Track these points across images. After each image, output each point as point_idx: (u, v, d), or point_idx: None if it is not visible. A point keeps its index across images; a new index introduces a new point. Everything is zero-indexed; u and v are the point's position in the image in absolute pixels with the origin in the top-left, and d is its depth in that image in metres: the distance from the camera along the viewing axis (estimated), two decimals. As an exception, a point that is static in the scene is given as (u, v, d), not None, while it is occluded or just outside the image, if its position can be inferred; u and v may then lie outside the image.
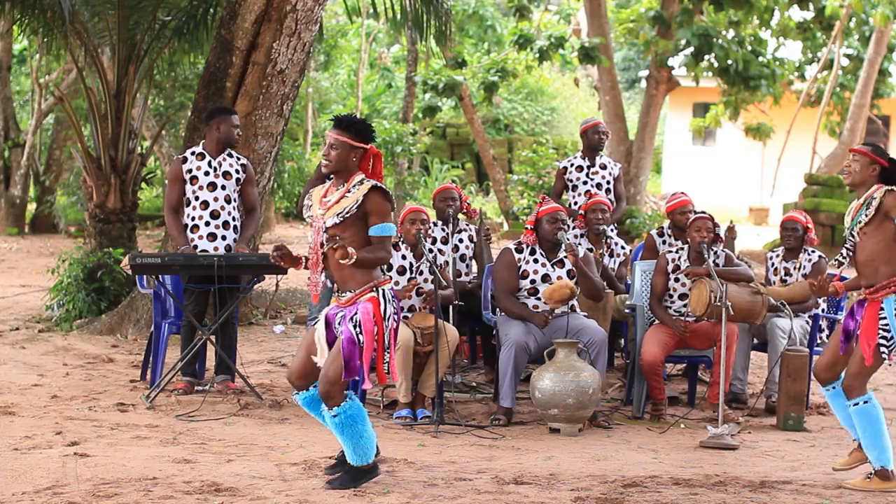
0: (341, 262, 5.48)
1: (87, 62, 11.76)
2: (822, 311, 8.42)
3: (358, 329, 5.52)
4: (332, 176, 5.78)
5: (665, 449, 6.94)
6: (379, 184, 5.66)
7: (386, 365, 5.63)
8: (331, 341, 5.66)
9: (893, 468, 6.06)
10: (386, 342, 5.61)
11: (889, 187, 6.04)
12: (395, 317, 5.67)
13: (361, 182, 5.64)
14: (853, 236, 6.14)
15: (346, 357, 5.49)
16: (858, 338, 6.06)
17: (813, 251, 8.45)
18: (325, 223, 5.62)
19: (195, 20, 11.31)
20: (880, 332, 5.98)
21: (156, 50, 11.79)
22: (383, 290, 5.64)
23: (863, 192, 6.15)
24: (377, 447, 5.82)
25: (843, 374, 6.20)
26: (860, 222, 6.08)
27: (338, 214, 5.58)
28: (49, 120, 21.34)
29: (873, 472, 6.06)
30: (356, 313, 5.56)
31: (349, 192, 5.62)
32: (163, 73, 14.39)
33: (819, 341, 8.36)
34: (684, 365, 8.79)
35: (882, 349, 5.97)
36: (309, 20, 9.63)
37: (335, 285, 5.71)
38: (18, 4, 11.14)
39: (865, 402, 6.08)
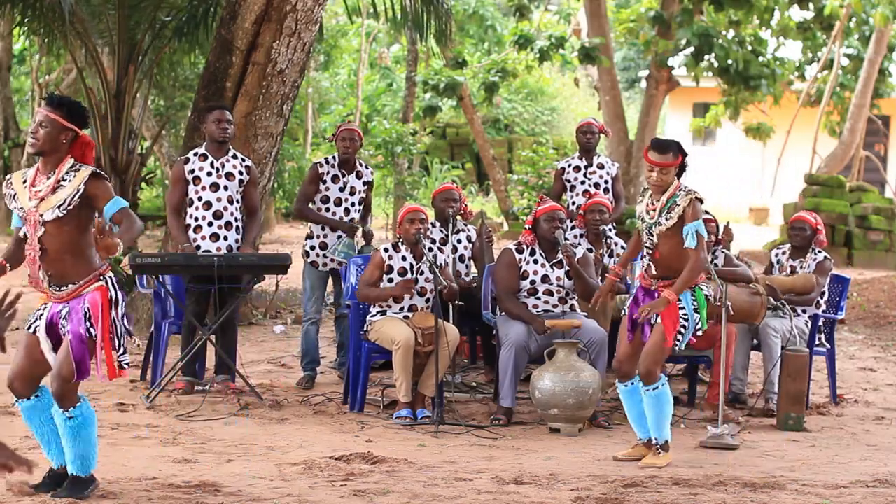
0: (111, 255, 5.07)
1: (87, 62, 11.77)
2: (822, 311, 8.41)
3: (89, 323, 5.24)
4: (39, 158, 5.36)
5: (665, 449, 6.94)
6: (95, 169, 5.30)
7: (120, 358, 5.32)
8: (55, 342, 5.32)
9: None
10: (119, 332, 5.30)
11: (693, 194, 6.36)
12: (125, 304, 5.40)
13: (76, 168, 5.28)
14: (651, 235, 6.46)
15: (77, 357, 5.20)
16: (655, 325, 6.42)
17: (819, 252, 8.44)
18: (41, 217, 5.22)
19: (195, 20, 11.30)
20: (680, 319, 6.42)
21: (156, 50, 11.78)
22: (108, 277, 5.34)
23: (661, 191, 6.41)
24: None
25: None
26: (660, 224, 6.39)
27: (59, 207, 5.20)
28: (49, 120, 21.32)
29: (659, 446, 6.46)
30: (85, 305, 5.25)
31: (63, 180, 5.26)
32: (163, 73, 14.39)
33: (818, 342, 8.35)
34: (684, 365, 8.79)
35: (678, 336, 6.41)
36: (309, 20, 9.63)
37: (49, 281, 5.30)
38: (19, 4, 11.14)
39: (663, 385, 6.47)
